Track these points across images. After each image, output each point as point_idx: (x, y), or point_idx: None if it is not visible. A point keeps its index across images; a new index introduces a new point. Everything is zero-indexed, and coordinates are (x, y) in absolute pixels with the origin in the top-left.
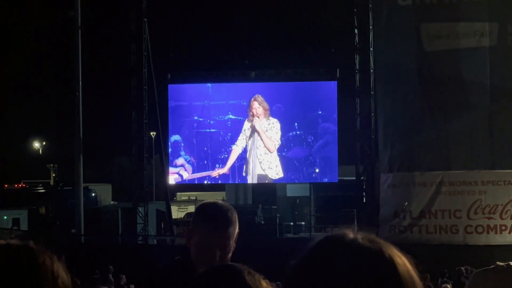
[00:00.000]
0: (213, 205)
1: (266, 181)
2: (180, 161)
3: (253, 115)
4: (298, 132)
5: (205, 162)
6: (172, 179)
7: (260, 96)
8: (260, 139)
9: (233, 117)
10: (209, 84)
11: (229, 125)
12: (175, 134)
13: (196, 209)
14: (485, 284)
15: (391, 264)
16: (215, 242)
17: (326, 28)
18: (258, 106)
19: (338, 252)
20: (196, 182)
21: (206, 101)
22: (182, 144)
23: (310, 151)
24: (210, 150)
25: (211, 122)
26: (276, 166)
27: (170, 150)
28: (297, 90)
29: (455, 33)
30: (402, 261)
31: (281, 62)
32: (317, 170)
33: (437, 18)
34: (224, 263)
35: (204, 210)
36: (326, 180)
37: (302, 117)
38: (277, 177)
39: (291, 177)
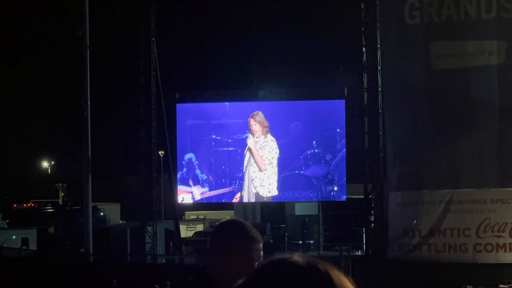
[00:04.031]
0: (244, 222)
1: (265, 199)
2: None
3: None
4: (316, 150)
5: (223, 180)
6: (188, 198)
7: (259, 113)
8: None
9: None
10: (227, 103)
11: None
12: (189, 153)
13: (229, 225)
14: None
15: (327, 281)
16: (252, 257)
17: (334, 47)
18: (254, 123)
19: (278, 272)
20: (214, 201)
21: (224, 120)
22: (196, 162)
23: (329, 169)
24: (228, 169)
25: (229, 140)
26: (269, 184)
27: (185, 169)
28: (315, 108)
29: (464, 52)
30: (340, 279)
31: (289, 81)
32: (335, 188)
33: (445, 37)
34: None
35: (241, 226)
36: (344, 198)
37: (320, 135)
38: (269, 195)
39: (309, 195)
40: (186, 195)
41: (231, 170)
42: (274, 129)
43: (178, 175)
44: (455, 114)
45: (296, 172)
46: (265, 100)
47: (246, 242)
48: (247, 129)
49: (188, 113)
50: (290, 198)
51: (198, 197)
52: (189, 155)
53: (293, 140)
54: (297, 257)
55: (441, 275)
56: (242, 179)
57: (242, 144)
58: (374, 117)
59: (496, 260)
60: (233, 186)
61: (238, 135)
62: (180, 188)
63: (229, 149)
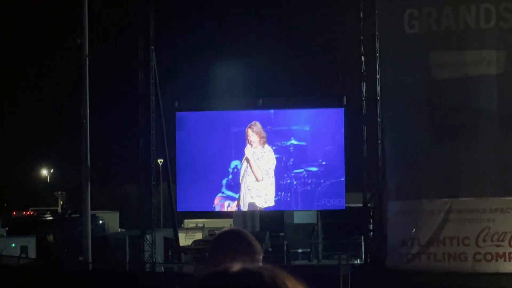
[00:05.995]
0: (244, 233)
1: (259, 209)
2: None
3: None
4: None
5: None
6: (233, 206)
7: (257, 123)
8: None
9: (295, 142)
10: (271, 111)
11: (291, 150)
12: (234, 160)
13: (227, 235)
14: None
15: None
16: None
17: (333, 55)
18: (252, 134)
19: (223, 282)
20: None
21: (268, 127)
22: None
23: None
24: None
25: (273, 147)
26: (266, 195)
27: (230, 176)
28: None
29: (463, 61)
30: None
31: (288, 89)
32: None
33: (444, 46)
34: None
35: (239, 237)
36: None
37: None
38: (265, 205)
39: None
40: (232, 203)
41: (276, 178)
42: (319, 137)
43: (224, 182)
44: (454, 123)
45: (342, 179)
46: (264, 109)
47: (241, 254)
48: (291, 135)
49: (232, 120)
50: (336, 206)
51: (245, 208)
52: (235, 162)
53: (339, 147)
54: (239, 266)
55: (440, 284)
56: (287, 187)
57: (286, 151)
58: (373, 126)
59: (496, 270)
60: (279, 195)
61: (283, 142)
62: (227, 193)
63: (274, 156)
